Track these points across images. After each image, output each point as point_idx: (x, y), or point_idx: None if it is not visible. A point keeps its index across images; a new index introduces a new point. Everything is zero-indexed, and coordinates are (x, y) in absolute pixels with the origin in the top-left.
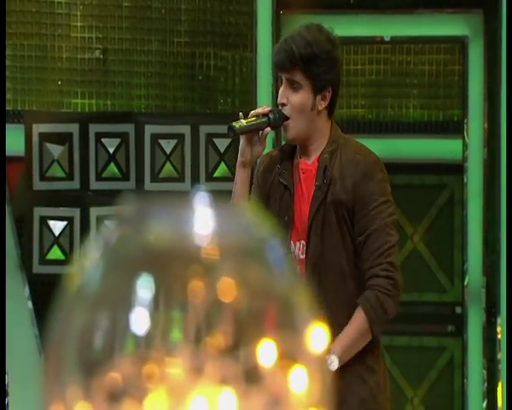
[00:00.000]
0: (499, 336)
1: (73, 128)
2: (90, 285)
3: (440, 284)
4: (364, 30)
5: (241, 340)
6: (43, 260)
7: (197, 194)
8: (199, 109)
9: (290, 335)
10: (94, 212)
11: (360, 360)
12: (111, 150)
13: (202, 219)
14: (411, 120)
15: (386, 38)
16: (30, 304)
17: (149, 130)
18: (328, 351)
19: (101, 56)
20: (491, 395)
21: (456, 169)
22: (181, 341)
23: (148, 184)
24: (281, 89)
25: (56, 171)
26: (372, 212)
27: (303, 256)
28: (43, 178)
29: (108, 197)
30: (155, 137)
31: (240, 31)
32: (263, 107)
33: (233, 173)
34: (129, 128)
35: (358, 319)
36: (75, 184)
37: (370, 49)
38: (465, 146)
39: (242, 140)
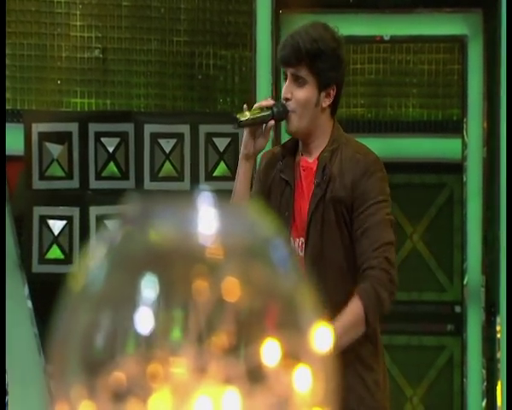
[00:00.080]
0: (498, 336)
1: (73, 127)
2: (95, 285)
3: (440, 284)
4: (364, 29)
5: (245, 340)
6: (43, 260)
7: (201, 194)
8: (198, 108)
9: (294, 334)
10: (93, 211)
11: (359, 359)
12: (110, 149)
13: (206, 219)
14: (411, 120)
15: (386, 38)
16: (29, 303)
17: (149, 129)
18: None
19: (101, 56)
20: (490, 394)
21: (456, 168)
22: (185, 340)
23: (148, 184)
24: (285, 84)
25: (56, 170)
26: (371, 208)
27: (302, 253)
28: (42, 177)
29: (108, 196)
30: (155, 137)
31: (239, 30)
32: (266, 100)
33: (232, 173)
34: (128, 127)
35: (354, 307)
36: (74, 184)
37: (370, 49)
38: (464, 145)
39: (246, 132)
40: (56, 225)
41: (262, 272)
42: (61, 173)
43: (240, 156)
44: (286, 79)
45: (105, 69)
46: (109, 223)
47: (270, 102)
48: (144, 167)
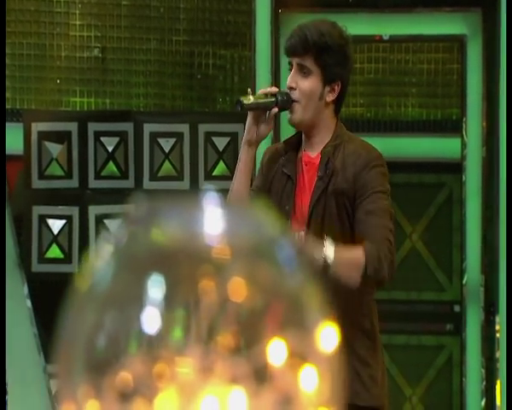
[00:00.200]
0: (498, 335)
1: (72, 127)
2: (101, 285)
3: (439, 283)
4: (363, 28)
5: (251, 339)
6: (42, 259)
7: (206, 193)
8: (198, 108)
9: (300, 334)
10: (93, 210)
11: (355, 354)
12: (110, 149)
13: (212, 219)
14: (410, 119)
15: (385, 37)
16: (29, 303)
17: (148, 128)
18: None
19: (100, 55)
20: (489, 393)
21: (455, 168)
22: (191, 340)
23: (147, 183)
24: (290, 74)
25: (55, 169)
26: (371, 196)
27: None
28: (41, 176)
29: (107, 196)
30: (154, 136)
31: (238, 29)
32: (270, 87)
33: (232, 172)
34: (128, 127)
35: (356, 252)
36: (74, 183)
37: (369, 48)
38: (464, 145)
39: (249, 118)
40: (56, 225)
41: (268, 271)
42: (60, 173)
43: (242, 142)
44: (291, 69)
45: (104, 68)
46: (109, 222)
47: (275, 89)
48: (144, 167)
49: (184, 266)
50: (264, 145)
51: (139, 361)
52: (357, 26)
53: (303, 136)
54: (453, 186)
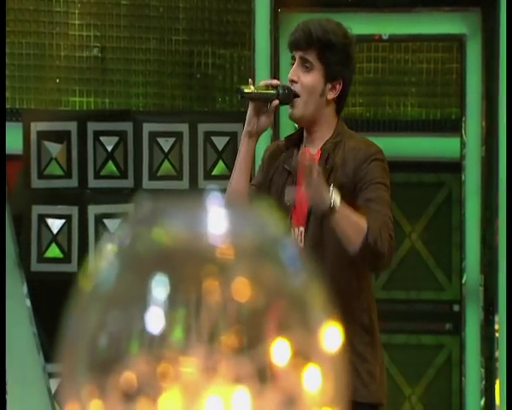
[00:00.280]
0: (497, 335)
1: (71, 126)
2: (105, 285)
3: (438, 282)
4: (363, 28)
5: (255, 339)
6: (42, 258)
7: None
8: (197, 107)
9: (304, 334)
10: (92, 210)
11: (353, 349)
12: (109, 148)
13: (216, 219)
14: (409, 119)
15: (385, 37)
16: (28, 302)
17: (147, 128)
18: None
19: (100, 55)
20: (488, 393)
21: (454, 167)
22: (195, 340)
23: (147, 183)
24: (293, 67)
25: (54, 169)
26: (372, 186)
27: (301, 242)
28: (41, 176)
29: (107, 195)
30: (153, 136)
31: (238, 29)
32: (272, 79)
33: (231, 172)
34: (127, 126)
35: (361, 219)
36: (73, 182)
37: (368, 48)
38: (463, 144)
39: (250, 109)
40: (55, 224)
41: (272, 271)
42: (59, 172)
43: (243, 133)
44: (293, 64)
45: (104, 68)
46: (108, 222)
47: (277, 82)
48: (143, 166)
49: (188, 266)
50: (264, 144)
51: (143, 361)
52: (356, 25)
53: (304, 132)
54: (452, 186)
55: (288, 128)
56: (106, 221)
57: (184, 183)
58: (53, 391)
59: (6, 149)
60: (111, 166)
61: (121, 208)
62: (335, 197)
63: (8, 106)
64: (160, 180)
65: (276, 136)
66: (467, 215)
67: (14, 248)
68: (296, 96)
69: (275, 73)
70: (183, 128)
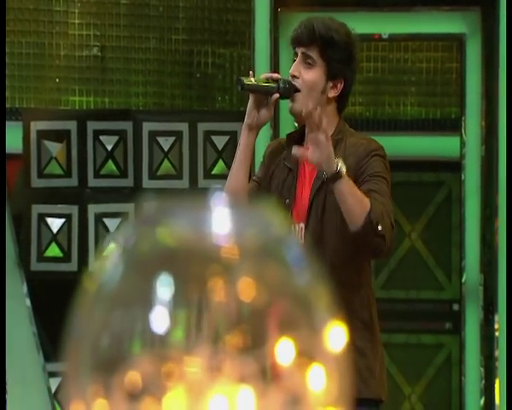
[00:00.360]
0: (497, 334)
1: (71, 125)
2: (110, 284)
3: (438, 282)
4: (362, 27)
5: (260, 339)
6: (41, 258)
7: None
8: (197, 107)
9: (308, 333)
10: (92, 209)
11: (352, 345)
12: (109, 148)
13: (221, 219)
14: (409, 118)
15: (384, 36)
16: (28, 301)
17: (147, 127)
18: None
19: (99, 54)
20: (488, 392)
21: (454, 167)
22: (200, 340)
23: (146, 182)
24: (294, 63)
25: (54, 168)
26: (373, 179)
27: (301, 238)
28: (41, 175)
29: (106, 195)
30: (153, 135)
31: (238, 28)
32: (272, 73)
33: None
34: (127, 125)
35: (365, 196)
36: (73, 182)
37: (368, 47)
38: (463, 143)
39: (250, 101)
40: (55, 223)
41: (276, 271)
42: (59, 171)
43: (243, 126)
44: (295, 58)
45: (103, 67)
46: (108, 221)
47: (277, 75)
48: (143, 165)
49: (192, 265)
50: (264, 144)
51: (148, 361)
52: (356, 24)
53: (306, 130)
54: (452, 185)
55: (287, 124)
56: (106, 220)
57: (184, 182)
58: (53, 391)
59: (6, 148)
60: (111, 165)
61: (121, 208)
62: (342, 164)
63: (7, 105)
64: (159, 179)
65: (275, 133)
66: (466, 214)
67: (14, 247)
68: (297, 90)
69: (275, 72)
70: (183, 127)
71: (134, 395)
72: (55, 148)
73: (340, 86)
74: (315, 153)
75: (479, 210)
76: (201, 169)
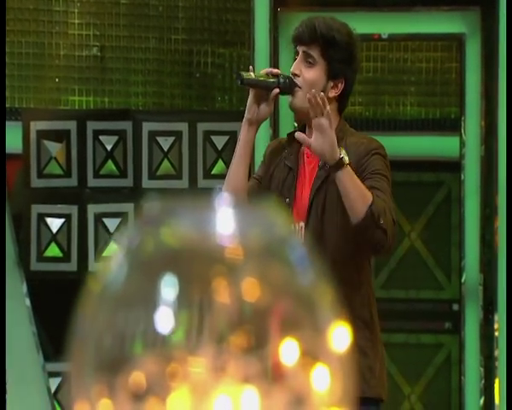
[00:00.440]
0: (496, 334)
1: (71, 125)
2: (114, 285)
3: (437, 282)
4: (362, 27)
5: (264, 339)
6: (41, 258)
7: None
8: (196, 107)
9: (312, 333)
10: (91, 209)
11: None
12: (108, 147)
13: (225, 219)
14: (408, 118)
15: (384, 36)
16: (28, 301)
17: (147, 127)
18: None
19: (99, 54)
20: (488, 392)
21: (454, 166)
22: (204, 340)
23: (146, 182)
24: (295, 61)
25: (54, 168)
26: (374, 177)
27: (301, 238)
28: (40, 175)
29: (106, 194)
30: (153, 135)
31: (237, 28)
32: (272, 68)
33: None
34: (126, 125)
35: (367, 190)
36: (73, 182)
37: (368, 47)
38: (462, 143)
39: (250, 96)
40: (54, 223)
41: (280, 271)
42: (59, 171)
43: (243, 121)
44: (296, 56)
45: (103, 67)
46: (108, 221)
47: (277, 71)
48: (142, 165)
49: (197, 266)
50: (264, 143)
51: (152, 361)
52: (355, 24)
53: (306, 130)
54: (452, 185)
55: (287, 123)
56: (105, 220)
57: (184, 182)
58: (53, 390)
59: (5, 148)
60: (110, 165)
61: (121, 207)
62: (344, 154)
63: (7, 105)
64: (159, 179)
65: (275, 132)
66: (466, 214)
67: (14, 247)
68: (297, 86)
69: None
70: (183, 127)
71: (138, 396)
72: (54, 148)
73: (340, 86)
74: (317, 139)
75: (478, 210)
76: (201, 169)
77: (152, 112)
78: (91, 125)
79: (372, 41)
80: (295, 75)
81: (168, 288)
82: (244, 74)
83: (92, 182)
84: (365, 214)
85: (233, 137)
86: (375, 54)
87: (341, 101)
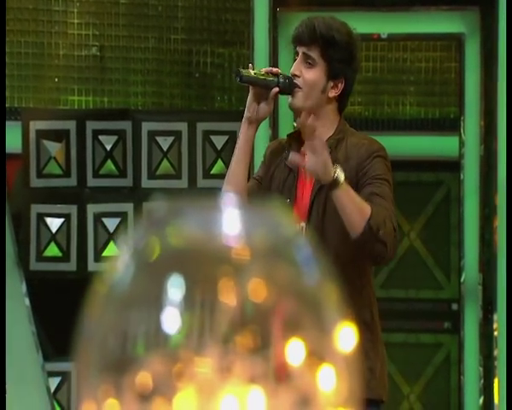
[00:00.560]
0: (496, 333)
1: (70, 125)
2: (121, 285)
3: (437, 281)
4: (361, 27)
5: (270, 339)
6: (40, 257)
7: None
8: (196, 106)
9: (318, 334)
10: (91, 209)
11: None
12: (108, 147)
13: (231, 220)
14: (408, 118)
15: (383, 36)
16: (27, 301)
17: (146, 127)
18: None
19: (98, 53)
20: (487, 391)
21: (453, 166)
22: (210, 340)
23: (145, 182)
24: (295, 62)
25: (53, 168)
26: (375, 182)
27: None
28: (40, 175)
29: (105, 194)
30: (152, 134)
31: (236, 28)
32: (272, 67)
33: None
34: (126, 125)
35: (365, 202)
36: (72, 181)
37: (367, 47)
38: (461, 143)
39: (250, 95)
40: (54, 223)
41: (286, 271)
42: (58, 171)
43: (243, 120)
44: (296, 57)
45: (102, 67)
46: (107, 221)
47: (277, 70)
48: (142, 165)
49: (203, 266)
50: (264, 143)
51: (158, 361)
52: (354, 24)
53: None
54: (451, 184)
55: (286, 123)
56: (105, 220)
57: (183, 182)
58: (52, 390)
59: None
60: (110, 165)
61: (120, 207)
62: (339, 172)
63: (7, 105)
64: (158, 179)
65: (274, 132)
66: (465, 214)
67: (14, 247)
68: (296, 86)
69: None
70: (182, 127)
71: (145, 396)
72: (54, 147)
73: (340, 86)
74: (311, 160)
75: (478, 209)
76: (200, 169)
77: (151, 112)
78: (91, 125)
79: (371, 41)
80: (295, 76)
81: (174, 288)
82: (243, 72)
83: (92, 182)
84: (363, 229)
85: (232, 137)
86: (375, 54)
87: (341, 101)
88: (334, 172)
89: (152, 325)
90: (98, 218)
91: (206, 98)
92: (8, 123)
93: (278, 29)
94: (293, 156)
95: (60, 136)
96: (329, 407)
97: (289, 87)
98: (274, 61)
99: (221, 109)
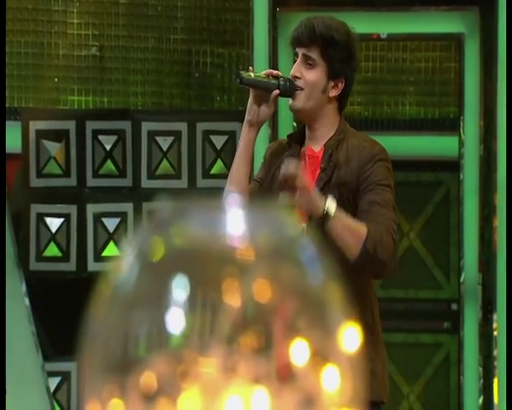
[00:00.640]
0: (495, 333)
1: (70, 125)
2: (126, 285)
3: (436, 281)
4: (361, 27)
5: (274, 339)
6: (40, 257)
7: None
8: (195, 106)
9: (322, 334)
10: (91, 209)
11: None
12: (108, 147)
13: (236, 220)
14: (407, 118)
15: (383, 36)
16: (27, 301)
17: (146, 127)
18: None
19: (98, 53)
20: (487, 391)
21: (453, 166)
22: (215, 340)
23: (145, 182)
24: (295, 64)
25: (53, 168)
26: (377, 188)
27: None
28: (39, 175)
29: (105, 194)
30: (152, 134)
31: (236, 28)
32: (272, 70)
33: (230, 170)
34: (125, 125)
35: (360, 224)
36: (72, 181)
37: (367, 47)
38: (461, 143)
39: (251, 97)
40: (54, 223)
41: (290, 272)
42: (58, 171)
43: (244, 123)
44: (296, 58)
45: (102, 67)
46: (107, 221)
47: (278, 72)
48: (141, 165)
49: (207, 266)
50: (264, 144)
51: (163, 361)
52: (354, 24)
53: (306, 130)
54: (451, 184)
55: (287, 124)
56: (104, 220)
57: (183, 182)
58: (52, 390)
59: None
60: (109, 165)
61: (120, 207)
62: (330, 204)
63: (6, 105)
64: (158, 179)
65: (274, 133)
66: (465, 214)
67: (13, 247)
68: (297, 88)
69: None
70: (182, 127)
71: (149, 396)
72: (53, 147)
73: (341, 85)
74: (300, 198)
75: (477, 209)
76: (200, 169)
77: (151, 112)
78: (90, 125)
79: (371, 41)
80: (296, 78)
81: (178, 288)
82: (243, 74)
83: (91, 182)
84: (360, 252)
85: (232, 137)
86: (374, 54)
87: (341, 100)
88: (324, 207)
89: (156, 325)
90: (98, 218)
91: (206, 98)
92: (7, 123)
93: (278, 29)
94: (283, 197)
95: (59, 136)
96: (333, 407)
97: (290, 89)
98: (274, 61)
99: (221, 109)
